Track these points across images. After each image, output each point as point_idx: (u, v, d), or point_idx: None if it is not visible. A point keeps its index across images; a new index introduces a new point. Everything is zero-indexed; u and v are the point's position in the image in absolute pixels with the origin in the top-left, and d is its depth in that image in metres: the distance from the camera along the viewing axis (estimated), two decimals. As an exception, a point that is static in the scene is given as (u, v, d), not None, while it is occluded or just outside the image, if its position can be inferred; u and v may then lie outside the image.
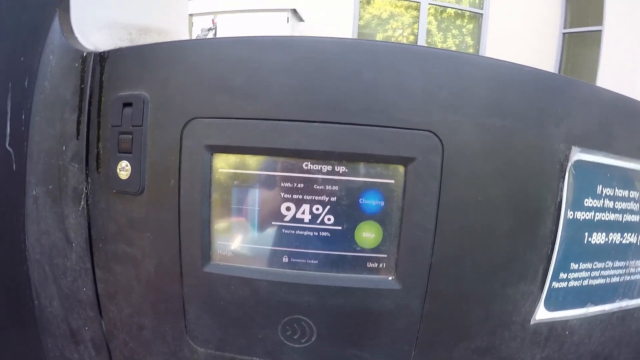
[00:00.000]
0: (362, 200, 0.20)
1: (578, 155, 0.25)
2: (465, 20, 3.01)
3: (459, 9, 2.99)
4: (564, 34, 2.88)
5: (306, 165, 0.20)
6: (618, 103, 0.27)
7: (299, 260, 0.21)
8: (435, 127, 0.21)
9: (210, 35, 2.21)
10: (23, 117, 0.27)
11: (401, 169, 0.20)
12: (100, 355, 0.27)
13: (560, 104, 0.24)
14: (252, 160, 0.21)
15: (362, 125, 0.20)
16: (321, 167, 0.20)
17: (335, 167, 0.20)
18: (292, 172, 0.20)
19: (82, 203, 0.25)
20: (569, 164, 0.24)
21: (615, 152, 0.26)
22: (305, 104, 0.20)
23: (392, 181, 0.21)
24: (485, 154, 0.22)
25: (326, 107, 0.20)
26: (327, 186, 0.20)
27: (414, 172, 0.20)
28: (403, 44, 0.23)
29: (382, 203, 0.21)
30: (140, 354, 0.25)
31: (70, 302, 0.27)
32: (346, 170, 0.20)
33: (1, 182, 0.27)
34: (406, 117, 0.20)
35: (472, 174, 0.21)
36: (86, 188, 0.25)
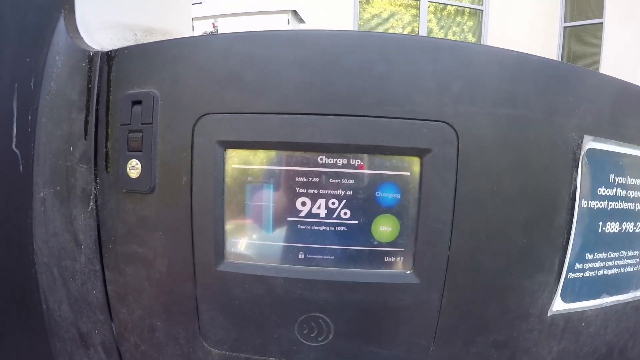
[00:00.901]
0: (378, 194, 0.20)
1: (590, 144, 0.24)
2: (466, 17, 3.03)
3: (459, 6, 3.00)
4: (564, 27, 2.90)
5: (321, 159, 0.20)
6: (628, 91, 0.27)
7: (316, 256, 0.21)
8: (449, 118, 0.20)
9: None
10: (29, 118, 0.26)
11: (417, 160, 0.20)
12: (110, 358, 0.27)
13: (572, 93, 0.24)
14: (266, 155, 0.20)
15: (376, 117, 0.20)
16: (336, 161, 0.20)
17: (351, 160, 0.20)
18: (306, 167, 0.20)
19: (91, 204, 0.25)
20: (582, 153, 0.24)
21: (627, 140, 0.26)
22: (318, 97, 0.20)
23: (408, 173, 0.20)
24: (499, 144, 0.22)
25: (340, 100, 0.20)
26: (342, 180, 0.20)
27: (430, 163, 0.20)
28: (415, 35, 0.23)
29: (399, 196, 0.20)
30: (152, 356, 0.25)
31: (79, 305, 0.27)
32: (362, 163, 0.20)
33: (8, 184, 0.27)
34: (420, 109, 0.20)
35: (487, 165, 0.21)
36: (95, 188, 0.25)
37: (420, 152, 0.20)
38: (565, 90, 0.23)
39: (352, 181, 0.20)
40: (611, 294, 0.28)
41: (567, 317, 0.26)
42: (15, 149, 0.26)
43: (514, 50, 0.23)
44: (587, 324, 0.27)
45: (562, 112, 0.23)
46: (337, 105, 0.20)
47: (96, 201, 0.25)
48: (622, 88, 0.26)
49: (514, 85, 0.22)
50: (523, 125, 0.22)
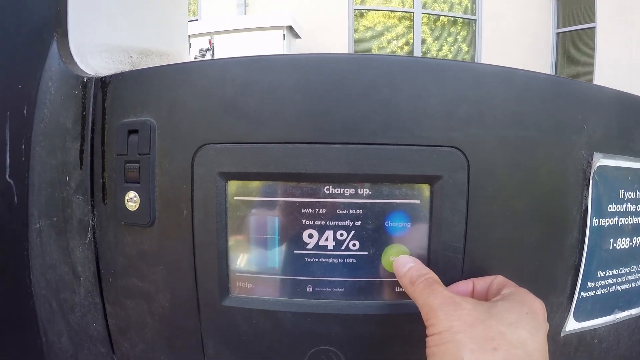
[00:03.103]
0: (387, 223, 0.20)
1: (601, 161, 0.24)
2: (459, 27, 3.06)
3: (452, 17, 3.02)
4: (557, 33, 2.92)
5: (327, 190, 0.19)
6: (635, 104, 0.26)
7: (324, 289, 0.20)
8: (459, 143, 0.20)
9: (208, 55, 2.23)
10: (23, 147, 0.26)
11: (427, 188, 0.20)
12: (113, 392, 0.26)
13: (580, 110, 0.23)
14: (269, 186, 0.20)
15: (383, 144, 0.19)
16: (343, 191, 0.19)
17: (358, 189, 0.19)
18: (312, 197, 0.19)
19: (89, 236, 0.24)
20: (592, 171, 0.24)
21: (636, 154, 0.26)
22: (321, 125, 0.19)
23: (418, 201, 0.20)
24: (509, 166, 0.21)
25: (344, 127, 0.19)
26: (350, 210, 0.19)
27: (441, 190, 0.19)
28: (419, 57, 0.22)
29: (409, 224, 0.20)
30: (156, 390, 0.24)
31: (80, 337, 0.26)
32: (370, 192, 0.19)
33: (2, 215, 0.26)
34: (429, 134, 0.20)
35: (498, 189, 0.21)
36: (92, 220, 0.24)
37: (430, 179, 0.20)
38: (573, 107, 0.23)
39: (360, 211, 0.19)
40: (623, 309, 0.27)
41: (580, 336, 0.25)
42: (9, 179, 0.26)
43: (520, 69, 0.22)
44: (599, 340, 0.27)
45: (571, 130, 0.23)
46: (341, 133, 0.19)
47: (94, 233, 0.24)
48: (629, 101, 0.26)
49: (522, 105, 0.21)
50: (533, 146, 0.21)
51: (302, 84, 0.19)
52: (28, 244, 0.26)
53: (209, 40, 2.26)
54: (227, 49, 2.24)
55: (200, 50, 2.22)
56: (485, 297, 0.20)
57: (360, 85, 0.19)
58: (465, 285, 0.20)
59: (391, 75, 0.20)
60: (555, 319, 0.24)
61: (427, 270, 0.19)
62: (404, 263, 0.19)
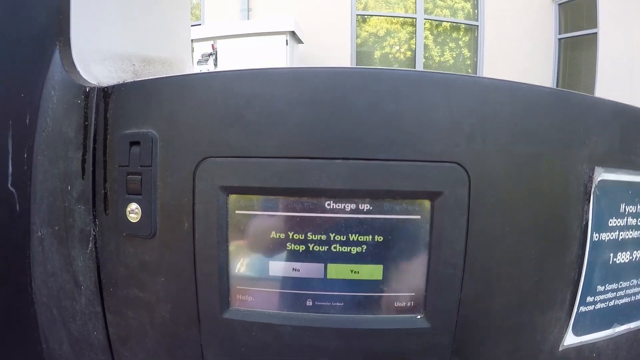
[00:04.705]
0: (388, 239, 0.20)
1: (602, 175, 0.24)
2: (461, 33, 3.05)
3: (455, 22, 3.01)
4: (559, 39, 2.91)
5: (328, 205, 0.19)
6: (637, 118, 0.26)
7: (324, 304, 0.20)
8: (460, 158, 0.20)
9: (211, 60, 2.23)
10: (25, 155, 0.26)
11: (427, 203, 0.20)
12: (113, 400, 0.26)
13: (582, 124, 0.23)
14: (271, 200, 0.20)
15: (385, 160, 0.19)
16: (344, 206, 0.19)
17: (359, 205, 0.19)
18: (313, 212, 0.19)
19: (90, 245, 0.24)
20: (593, 186, 0.24)
21: (637, 167, 0.26)
22: (324, 140, 0.19)
23: (418, 217, 0.20)
24: (511, 182, 0.21)
25: (347, 142, 0.19)
26: (351, 225, 0.19)
27: (441, 206, 0.19)
28: (423, 71, 0.22)
29: (409, 240, 0.20)
30: (156, 399, 0.24)
31: (80, 346, 0.26)
32: (370, 207, 0.19)
33: (4, 224, 0.26)
34: (431, 150, 0.20)
35: (499, 204, 0.21)
36: (94, 230, 0.24)
37: (431, 196, 0.20)
38: (576, 121, 0.23)
39: (361, 226, 0.20)
40: (622, 323, 0.27)
41: (578, 350, 0.26)
42: (11, 188, 0.26)
43: (524, 83, 0.22)
44: (597, 354, 0.27)
45: (573, 144, 0.23)
46: (344, 148, 0.19)
47: (95, 243, 0.24)
48: (631, 114, 0.26)
49: (525, 119, 0.21)
50: (535, 161, 0.21)
51: (305, 98, 0.20)
52: (30, 252, 0.26)
53: (212, 45, 2.26)
54: (230, 53, 2.25)
55: (203, 55, 2.22)
56: None
57: (364, 100, 0.19)
58: None
59: (394, 90, 0.20)
60: (554, 334, 0.24)
61: None
62: None
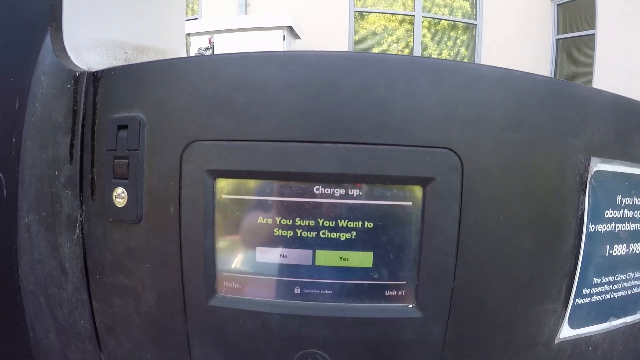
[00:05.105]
0: (378, 225, 0.19)
1: (598, 165, 0.24)
2: (459, 32, 3.06)
3: (453, 21, 3.02)
4: (557, 39, 2.91)
5: (317, 190, 0.19)
6: (634, 108, 0.26)
7: (312, 291, 0.20)
8: (453, 145, 0.19)
9: (208, 54, 2.23)
10: (14, 140, 0.25)
11: (419, 190, 0.19)
12: (100, 390, 0.26)
13: (578, 113, 0.23)
14: (258, 185, 0.19)
15: (376, 144, 0.19)
16: (333, 191, 0.19)
17: (349, 190, 0.19)
18: (302, 197, 0.19)
19: (77, 231, 0.24)
20: (589, 176, 0.23)
21: (634, 159, 0.25)
22: (314, 123, 0.19)
23: (410, 203, 0.19)
24: (505, 170, 0.20)
25: (337, 126, 0.19)
26: (340, 211, 0.19)
27: (433, 193, 0.19)
28: (416, 56, 0.22)
29: (400, 227, 0.19)
30: (143, 389, 0.24)
31: (67, 334, 0.26)
32: (360, 193, 0.19)
33: (-9, 210, 0.26)
34: (423, 135, 0.19)
35: (492, 192, 0.20)
36: (81, 215, 0.23)
37: (422, 181, 0.19)
38: (571, 110, 0.22)
39: (350, 212, 0.19)
40: (618, 317, 0.27)
41: (575, 343, 0.25)
42: (-2, 173, 0.25)
43: (518, 70, 0.22)
44: (594, 348, 0.26)
45: (569, 134, 0.22)
46: (334, 132, 0.19)
47: (82, 229, 0.23)
48: (628, 105, 0.25)
49: (519, 107, 0.21)
50: (529, 150, 0.21)
51: (294, 81, 0.19)
52: (17, 239, 0.26)
53: (209, 39, 2.26)
54: (227, 48, 2.25)
55: (200, 49, 2.22)
56: None
57: (354, 84, 0.19)
58: None
59: (386, 74, 0.19)
60: (550, 326, 0.23)
61: None
62: None
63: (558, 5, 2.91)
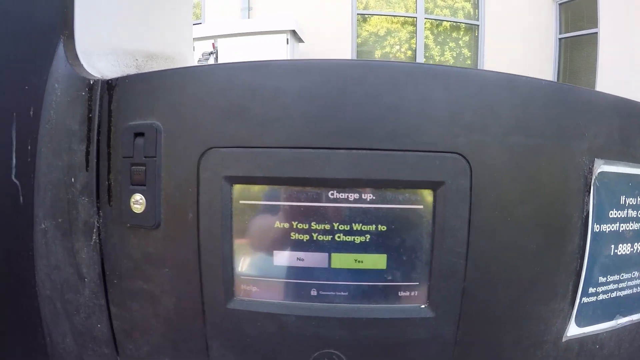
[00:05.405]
0: (391, 228, 0.20)
1: (602, 167, 0.24)
2: (462, 33, 3.05)
3: (455, 22, 3.01)
4: (560, 39, 2.91)
5: (332, 194, 0.20)
6: (636, 111, 0.26)
7: (328, 293, 0.20)
8: (462, 149, 0.20)
9: (212, 59, 2.23)
10: (29, 147, 0.26)
11: (430, 193, 0.20)
12: (117, 392, 0.26)
13: (582, 116, 0.23)
14: (275, 190, 0.20)
15: (388, 150, 0.19)
16: (348, 196, 0.20)
17: (362, 194, 0.20)
18: (317, 202, 0.20)
19: (94, 237, 0.24)
20: (593, 177, 0.24)
21: (636, 160, 0.26)
22: (327, 130, 0.20)
23: (421, 206, 0.20)
24: (512, 173, 0.21)
25: (350, 133, 0.19)
26: (354, 215, 0.20)
27: (443, 196, 0.20)
28: (424, 64, 0.23)
29: (412, 229, 0.20)
30: (160, 391, 0.24)
31: (84, 338, 0.26)
32: (374, 197, 0.20)
33: (8, 216, 0.26)
34: (433, 140, 0.20)
35: (500, 195, 0.21)
36: (98, 222, 0.24)
37: (433, 185, 0.20)
38: (574, 113, 0.23)
39: (364, 216, 0.20)
40: (624, 315, 0.27)
41: (582, 341, 0.26)
42: (15, 180, 0.26)
43: (522, 76, 0.22)
44: (600, 346, 0.27)
45: (573, 137, 0.23)
46: (347, 139, 0.19)
47: (99, 234, 0.24)
48: (630, 107, 0.26)
49: (525, 112, 0.21)
50: (535, 153, 0.22)
51: (308, 89, 0.20)
52: (33, 245, 0.26)
53: (213, 44, 2.27)
54: (231, 52, 2.25)
55: (203, 53, 2.22)
56: None
57: (365, 91, 0.20)
58: None
59: (396, 81, 0.20)
60: (557, 324, 0.24)
61: None
62: None
63: (560, 4, 2.91)
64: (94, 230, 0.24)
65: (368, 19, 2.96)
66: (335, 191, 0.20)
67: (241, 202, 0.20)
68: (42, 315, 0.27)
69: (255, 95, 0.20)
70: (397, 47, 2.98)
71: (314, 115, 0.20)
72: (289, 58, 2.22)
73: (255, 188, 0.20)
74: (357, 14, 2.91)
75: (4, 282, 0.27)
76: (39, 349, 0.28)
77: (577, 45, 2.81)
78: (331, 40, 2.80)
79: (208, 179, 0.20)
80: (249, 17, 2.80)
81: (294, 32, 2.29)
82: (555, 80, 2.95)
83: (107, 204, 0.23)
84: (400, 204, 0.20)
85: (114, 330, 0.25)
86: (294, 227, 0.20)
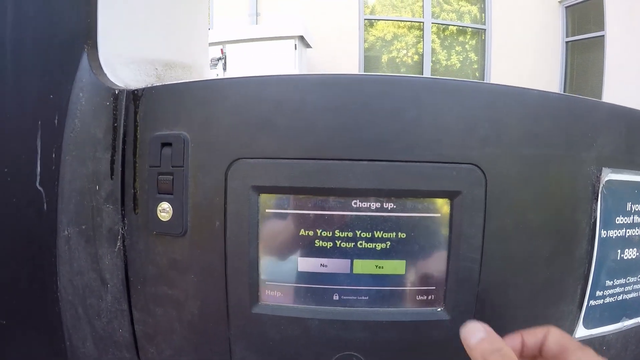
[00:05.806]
0: (410, 235, 0.21)
1: (609, 175, 0.25)
2: (468, 37, 3.04)
3: (462, 26, 3.01)
4: (566, 42, 2.90)
5: (355, 203, 0.20)
6: None
7: (350, 297, 0.21)
8: (477, 160, 0.21)
9: (220, 64, 2.23)
10: (54, 155, 0.26)
11: (447, 202, 0.21)
12: (137, 396, 0.27)
13: (590, 127, 0.24)
14: (300, 199, 0.21)
15: (408, 162, 0.20)
16: (370, 205, 0.20)
17: (384, 203, 0.20)
18: (341, 211, 0.20)
19: (119, 244, 0.25)
20: (601, 185, 0.25)
21: (643, 168, 0.27)
22: (351, 142, 0.20)
23: (439, 215, 0.21)
24: (524, 183, 0.22)
25: (372, 145, 0.20)
26: (375, 223, 0.20)
27: (460, 205, 0.21)
28: (440, 78, 0.24)
29: (430, 237, 0.21)
30: (181, 394, 0.25)
31: (104, 343, 0.27)
32: (394, 206, 0.21)
33: (32, 222, 0.27)
34: (450, 152, 0.21)
35: (513, 204, 0.22)
36: (122, 229, 0.24)
37: (450, 195, 0.21)
38: (583, 125, 0.24)
39: (385, 224, 0.21)
40: (630, 317, 0.28)
41: (589, 343, 0.27)
42: (39, 187, 0.26)
43: (533, 89, 0.23)
44: (607, 347, 0.28)
45: (582, 147, 0.24)
46: (369, 151, 0.20)
47: (124, 241, 0.25)
48: (636, 117, 0.27)
49: (536, 124, 0.22)
50: (545, 163, 0.23)
51: (332, 103, 0.21)
52: (56, 251, 0.27)
53: (221, 50, 2.27)
54: (239, 58, 2.25)
55: (212, 59, 2.22)
56: (538, 352, 0.18)
57: (386, 105, 0.21)
58: (512, 340, 0.18)
59: (415, 96, 0.21)
60: (566, 326, 0.25)
61: (501, 343, 0.16)
62: (473, 332, 0.17)
63: (566, 7, 2.90)
64: (119, 237, 0.25)
65: (375, 24, 2.96)
66: (358, 200, 0.20)
67: (267, 210, 0.21)
68: (63, 320, 0.27)
69: (282, 108, 0.21)
70: (404, 51, 2.99)
71: (338, 128, 0.20)
72: (297, 63, 2.23)
73: (282, 197, 0.21)
74: (364, 19, 2.91)
75: (27, 287, 0.27)
76: (59, 353, 0.28)
77: (584, 48, 2.79)
78: (338, 45, 2.81)
79: (236, 188, 0.21)
80: (257, 23, 2.80)
81: (301, 38, 2.30)
82: (563, 83, 2.95)
83: (132, 212, 0.24)
84: (419, 213, 0.21)
85: (136, 334, 0.25)
86: (319, 234, 0.21)
